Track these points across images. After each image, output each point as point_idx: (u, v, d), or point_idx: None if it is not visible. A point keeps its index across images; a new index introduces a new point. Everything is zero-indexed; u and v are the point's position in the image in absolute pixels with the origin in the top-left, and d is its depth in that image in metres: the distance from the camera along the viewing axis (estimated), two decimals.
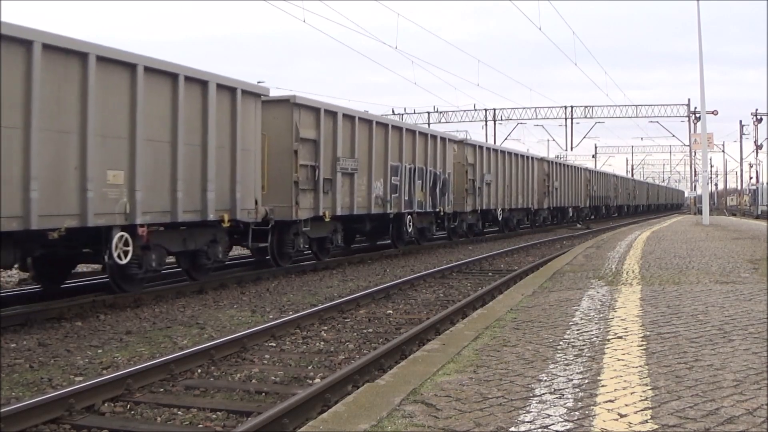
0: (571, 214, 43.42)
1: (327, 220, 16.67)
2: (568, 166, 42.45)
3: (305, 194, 15.73)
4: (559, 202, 39.66)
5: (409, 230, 21.35)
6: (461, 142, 26.45)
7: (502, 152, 30.60)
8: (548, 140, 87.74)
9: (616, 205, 60.38)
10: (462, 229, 26.79)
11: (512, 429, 3.65)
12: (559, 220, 41.81)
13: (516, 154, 32.24)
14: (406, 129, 21.00)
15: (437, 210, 23.28)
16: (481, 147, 28.04)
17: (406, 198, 20.72)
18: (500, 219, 29.95)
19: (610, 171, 66.56)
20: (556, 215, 41.20)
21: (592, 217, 50.60)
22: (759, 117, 56.71)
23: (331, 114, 16.72)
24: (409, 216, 21.14)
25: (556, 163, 39.76)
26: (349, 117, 17.58)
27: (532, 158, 34.75)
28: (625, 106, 52.78)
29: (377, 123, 19.09)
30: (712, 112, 45.93)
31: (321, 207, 16.29)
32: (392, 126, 20.17)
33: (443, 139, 24.07)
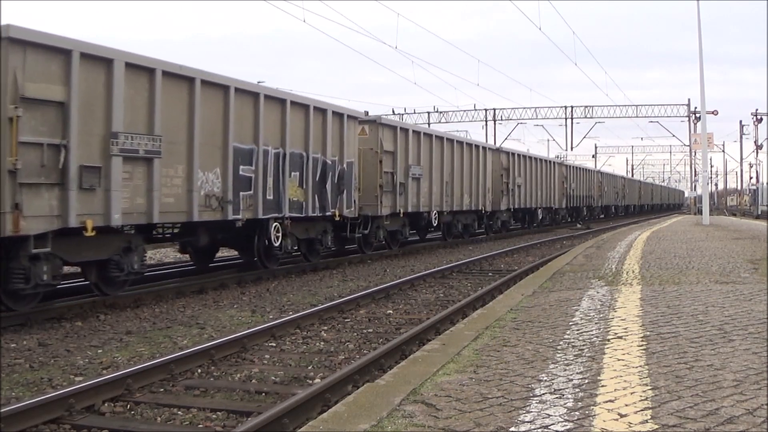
0: (541, 217, 37.09)
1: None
2: (534, 159, 36.00)
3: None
4: (524, 202, 33.54)
5: (277, 243, 14.73)
6: (373, 122, 19.43)
7: (438, 138, 23.86)
8: (548, 140, 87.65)
9: (602, 206, 54.23)
10: (377, 238, 20.10)
11: (512, 429, 3.65)
12: (528, 224, 36.34)
13: (460, 142, 25.96)
14: (266, 95, 14.17)
15: (329, 214, 16.58)
16: (405, 130, 21.18)
17: (269, 197, 14.35)
18: (437, 224, 23.80)
19: (605, 168, 64.30)
20: (522, 218, 36.01)
21: (570, 219, 45.04)
22: (759, 117, 56.69)
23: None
24: (276, 223, 14.71)
25: (517, 155, 33.22)
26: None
27: (485, 148, 28.62)
28: (625, 106, 52.81)
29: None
30: (712, 112, 45.91)
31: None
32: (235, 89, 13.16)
33: (339, 114, 16.86)
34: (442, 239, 25.35)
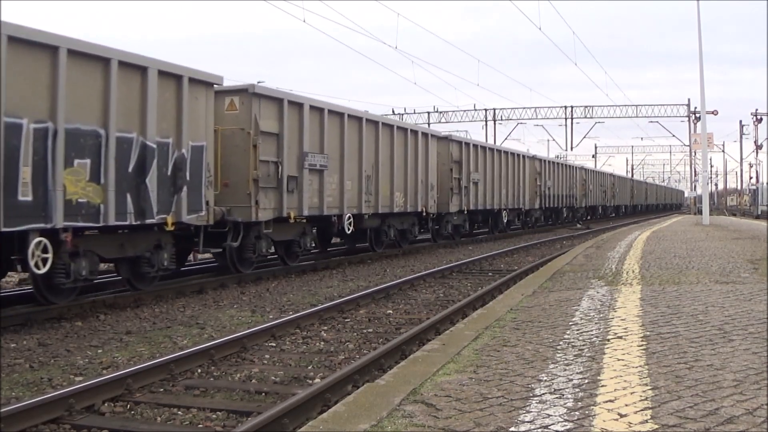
0: (507, 220, 30.73)
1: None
2: (496, 151, 29.75)
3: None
4: (482, 202, 27.49)
5: (43, 269, 9.52)
6: (245, 92, 14.14)
7: (355, 119, 17.93)
8: (548, 140, 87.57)
9: (586, 207, 47.84)
10: (257, 252, 14.77)
11: (512, 429, 3.65)
12: (491, 229, 30.07)
13: (389, 126, 20.04)
14: (11, 36, 9.03)
15: (154, 221, 11.39)
16: (297, 105, 15.54)
17: (23, 197, 9.21)
18: (351, 231, 17.91)
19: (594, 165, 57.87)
20: (480, 222, 29.54)
21: (550, 222, 39.65)
22: (759, 117, 56.68)
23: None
24: (40, 239, 9.47)
25: (473, 145, 26.84)
26: None
27: (427, 135, 22.71)
28: (625, 106, 52.73)
29: None
30: (712, 112, 45.89)
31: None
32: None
33: (173, 76, 11.83)
34: (370, 250, 20.00)
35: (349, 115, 17.63)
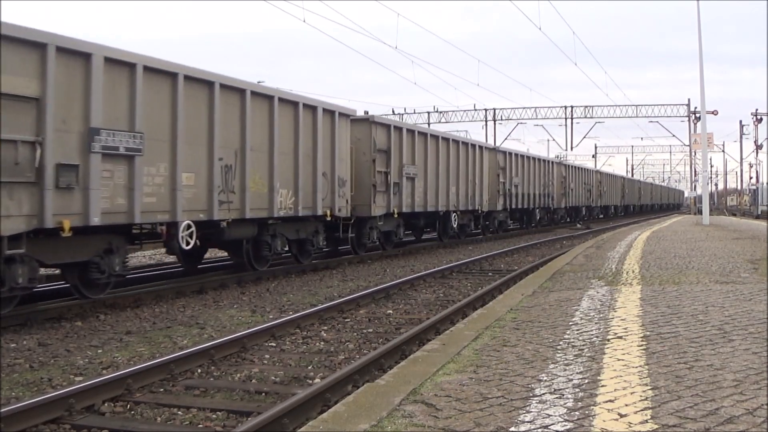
0: (455, 224, 24.85)
1: None
2: (441, 139, 23.69)
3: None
4: (420, 203, 21.80)
5: None
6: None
7: (236, 91, 13.31)
8: (548, 140, 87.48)
9: (566, 208, 42.11)
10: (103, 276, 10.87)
11: (512, 429, 3.65)
12: (439, 234, 24.93)
13: (292, 103, 15.16)
14: None
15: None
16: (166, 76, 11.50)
17: None
18: (188, 247, 12.17)
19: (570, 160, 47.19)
20: (422, 227, 24.80)
21: (522, 225, 35.19)
22: (759, 117, 56.69)
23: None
24: None
25: (404, 129, 20.81)
26: None
27: (326, 110, 16.34)
28: (625, 106, 52.69)
29: None
30: (712, 112, 45.88)
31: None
32: None
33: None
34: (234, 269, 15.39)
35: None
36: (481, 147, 26.59)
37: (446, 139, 24.45)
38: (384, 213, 19.65)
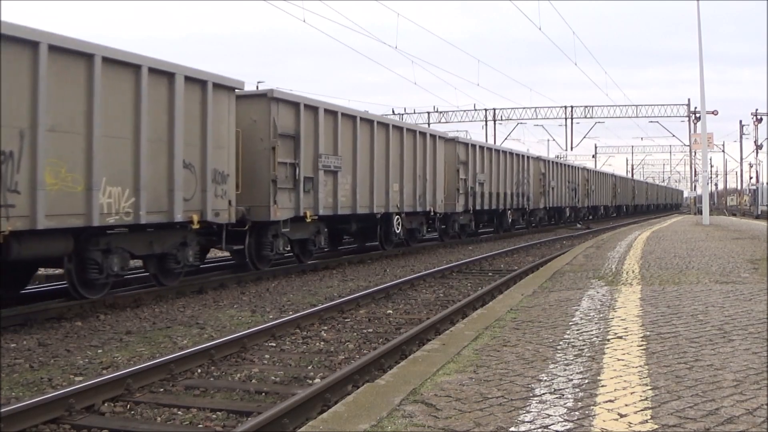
0: (398, 229, 20.79)
1: None
2: (383, 125, 19.70)
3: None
4: (347, 204, 17.66)
5: None
6: None
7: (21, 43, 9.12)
8: (548, 140, 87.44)
9: (546, 209, 37.70)
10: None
11: (512, 429, 3.65)
12: (381, 242, 20.51)
13: (132, 66, 10.93)
14: None
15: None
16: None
17: None
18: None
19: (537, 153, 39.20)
20: (353, 234, 20.58)
21: (495, 229, 30.76)
22: (759, 117, 56.70)
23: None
24: None
25: (333, 112, 16.92)
26: None
27: (209, 86, 12.55)
28: (625, 106, 52.74)
29: None
30: (712, 112, 45.94)
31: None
32: None
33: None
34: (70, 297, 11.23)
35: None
36: (433, 136, 22.32)
37: (384, 125, 19.72)
38: (291, 216, 15.42)
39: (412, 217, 21.90)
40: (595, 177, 51.53)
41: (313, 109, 15.98)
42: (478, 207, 27.26)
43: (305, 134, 15.48)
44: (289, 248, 15.95)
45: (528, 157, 34.82)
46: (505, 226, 31.05)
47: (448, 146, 24.77)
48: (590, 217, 47.63)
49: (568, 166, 44.21)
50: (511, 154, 32.13)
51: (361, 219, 18.97)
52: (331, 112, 16.71)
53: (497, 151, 30.42)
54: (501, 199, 29.92)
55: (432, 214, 23.09)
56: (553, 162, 39.88)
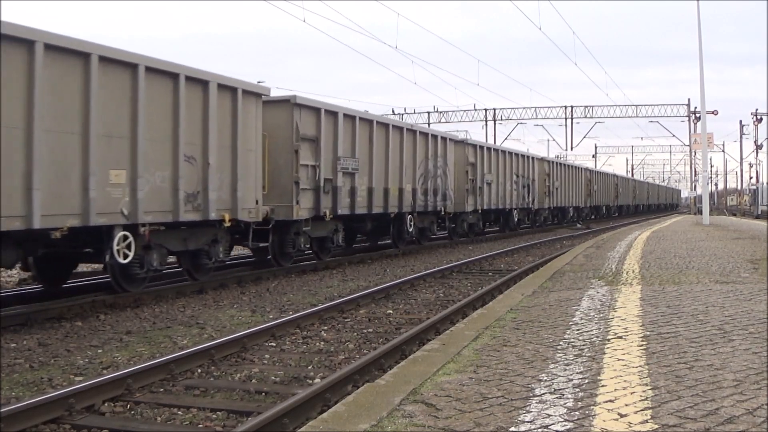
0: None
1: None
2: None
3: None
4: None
5: None
6: None
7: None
8: (548, 140, 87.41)
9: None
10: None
11: (512, 429, 3.65)
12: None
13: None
14: None
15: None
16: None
17: None
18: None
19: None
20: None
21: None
22: (759, 117, 56.69)
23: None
24: None
25: (351, 117, 17.70)
26: None
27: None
28: (625, 105, 52.79)
29: None
30: (712, 112, 45.93)
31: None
32: None
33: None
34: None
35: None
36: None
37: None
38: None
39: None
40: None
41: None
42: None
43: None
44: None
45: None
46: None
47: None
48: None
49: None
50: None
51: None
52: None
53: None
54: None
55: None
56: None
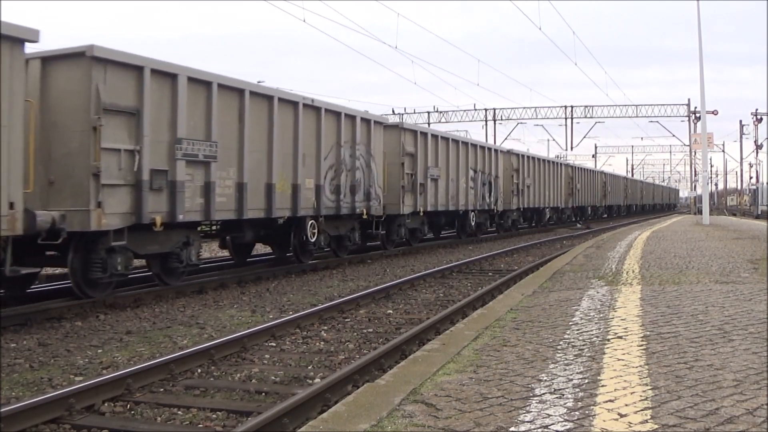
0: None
1: None
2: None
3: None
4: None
5: None
6: None
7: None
8: (548, 140, 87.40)
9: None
10: None
11: (512, 429, 3.65)
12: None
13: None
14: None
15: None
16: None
17: None
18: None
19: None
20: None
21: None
22: (759, 117, 56.70)
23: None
24: None
25: (435, 136, 22.86)
26: None
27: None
28: (625, 105, 52.78)
29: None
30: (712, 112, 45.93)
31: None
32: None
33: None
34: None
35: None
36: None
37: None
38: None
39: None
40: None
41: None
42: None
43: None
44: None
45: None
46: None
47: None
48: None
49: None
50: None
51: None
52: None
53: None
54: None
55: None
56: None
